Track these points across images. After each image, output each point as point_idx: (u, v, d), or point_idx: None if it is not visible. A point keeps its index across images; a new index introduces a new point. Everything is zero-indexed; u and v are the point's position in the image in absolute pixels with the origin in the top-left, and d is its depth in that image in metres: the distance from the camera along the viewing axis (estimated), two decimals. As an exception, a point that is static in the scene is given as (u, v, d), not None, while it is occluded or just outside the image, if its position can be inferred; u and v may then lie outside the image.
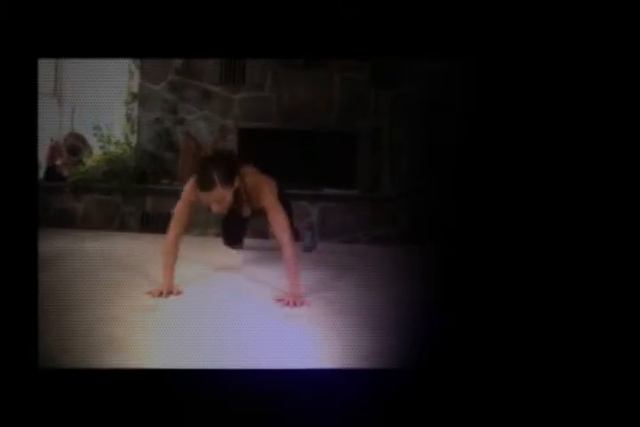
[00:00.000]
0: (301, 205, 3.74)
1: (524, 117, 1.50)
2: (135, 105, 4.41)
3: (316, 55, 3.57)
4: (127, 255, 3.00)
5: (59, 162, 4.22)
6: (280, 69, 4.23)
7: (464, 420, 1.20)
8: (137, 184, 3.98)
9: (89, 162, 4.19)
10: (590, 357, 1.28)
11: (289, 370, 1.38)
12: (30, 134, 1.33)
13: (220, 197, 2.01)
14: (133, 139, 4.41)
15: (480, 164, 2.75)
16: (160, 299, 2.06)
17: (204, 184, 2.00)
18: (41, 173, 4.20)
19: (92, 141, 4.34)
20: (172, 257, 2.19)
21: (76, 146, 4.36)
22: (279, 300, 2.05)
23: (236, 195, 2.11)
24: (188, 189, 2.16)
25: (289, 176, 2.79)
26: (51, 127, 4.39)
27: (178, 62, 4.29)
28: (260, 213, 2.27)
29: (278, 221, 2.13)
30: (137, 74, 4.41)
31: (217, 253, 3.21)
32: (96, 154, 4.32)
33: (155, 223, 3.91)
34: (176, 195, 3.59)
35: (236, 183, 2.06)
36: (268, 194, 2.16)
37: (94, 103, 4.43)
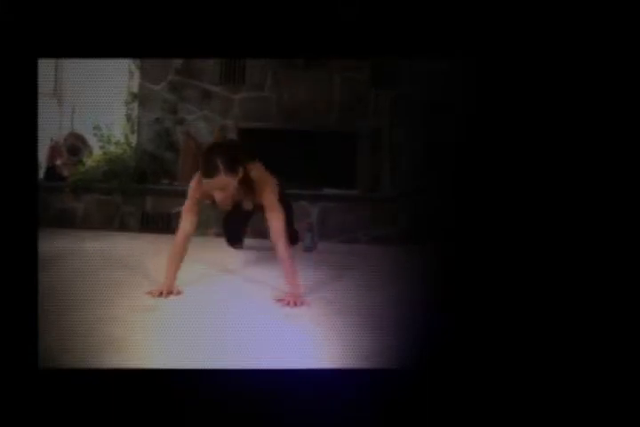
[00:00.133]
0: (301, 205, 3.74)
1: (524, 117, 1.50)
2: (135, 105, 4.42)
3: (316, 55, 3.57)
4: (127, 255, 3.00)
5: (59, 162, 4.22)
6: (280, 69, 4.23)
7: (464, 420, 1.20)
8: (137, 184, 3.98)
9: (89, 162, 4.19)
10: (590, 355, 1.28)
11: (289, 370, 1.38)
12: (30, 134, 1.33)
13: (223, 185, 1.99)
14: (133, 139, 4.41)
15: (480, 164, 2.75)
16: (160, 299, 2.05)
17: (208, 171, 1.98)
18: (41, 173, 4.19)
19: (92, 141, 4.34)
20: (179, 257, 2.18)
21: (75, 146, 4.36)
22: (279, 300, 2.05)
23: (240, 185, 2.09)
24: (194, 185, 2.15)
25: (289, 176, 2.79)
26: (51, 127, 4.39)
27: (178, 62, 4.29)
28: (261, 209, 2.25)
29: (275, 222, 2.13)
30: (137, 74, 4.41)
31: (217, 253, 3.21)
32: (96, 154, 4.32)
33: (155, 223, 3.91)
34: (176, 195, 3.60)
35: (240, 172, 2.04)
36: (269, 192, 2.15)
37: (94, 103, 4.43)
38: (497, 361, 1.43)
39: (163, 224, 3.89)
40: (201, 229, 3.76)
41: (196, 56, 3.81)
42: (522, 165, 1.51)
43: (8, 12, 1.32)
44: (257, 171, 2.18)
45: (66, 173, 4.15)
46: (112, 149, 4.22)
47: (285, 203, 2.32)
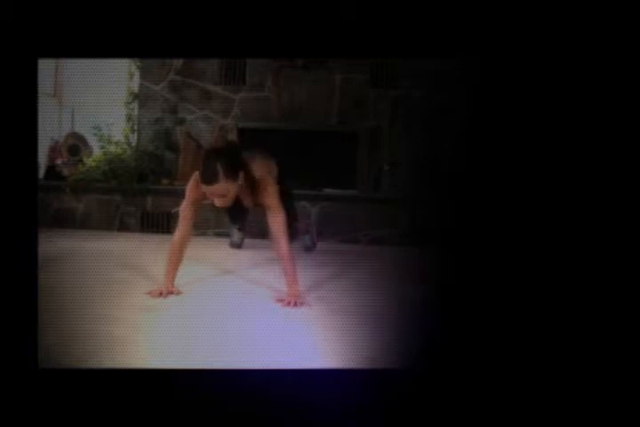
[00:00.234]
0: (301, 205, 3.74)
1: (525, 118, 1.50)
2: (135, 105, 4.42)
3: (315, 55, 3.57)
4: (127, 255, 3.00)
5: (59, 162, 4.22)
6: (280, 69, 4.23)
7: (464, 420, 1.20)
8: (137, 184, 3.98)
9: (89, 162, 4.19)
10: (588, 355, 1.28)
11: (289, 370, 1.38)
12: (30, 134, 1.33)
13: (223, 191, 1.98)
14: (133, 139, 4.41)
15: (480, 164, 2.74)
16: (160, 299, 2.05)
17: (208, 177, 1.95)
18: (41, 173, 4.20)
19: (92, 141, 4.34)
20: (178, 257, 2.18)
21: (75, 146, 4.36)
22: (279, 300, 2.05)
23: (240, 189, 2.08)
24: (191, 186, 2.14)
25: (289, 176, 2.79)
26: (51, 127, 4.39)
27: (178, 62, 4.29)
28: (261, 208, 2.24)
29: (276, 221, 2.13)
30: (137, 74, 4.41)
31: (217, 253, 3.21)
32: (96, 154, 4.31)
33: (155, 223, 3.92)
34: (176, 195, 3.60)
35: (241, 178, 2.02)
36: (270, 193, 2.13)
37: (94, 103, 4.43)
38: (497, 361, 1.43)
39: (163, 224, 3.90)
40: (201, 229, 3.77)
41: (196, 56, 3.81)
42: (523, 165, 1.51)
43: (8, 12, 1.32)
44: (257, 168, 2.18)
45: (66, 172, 4.15)
46: (112, 149, 4.22)
47: (289, 201, 2.33)
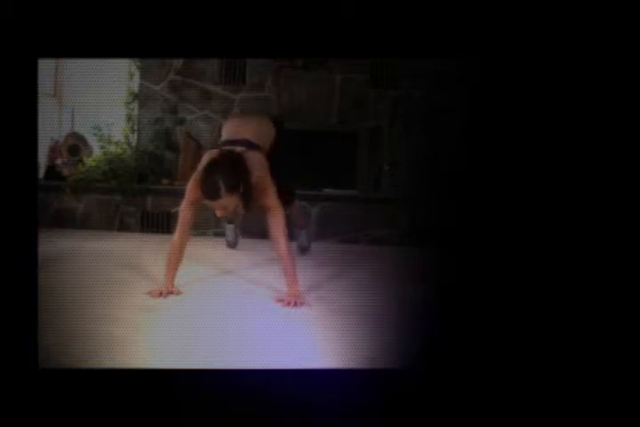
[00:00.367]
0: (301, 206, 3.74)
1: (524, 118, 1.50)
2: (135, 105, 4.42)
3: (315, 55, 3.57)
4: (127, 255, 3.00)
5: (59, 162, 4.22)
6: (280, 69, 4.23)
7: (464, 420, 1.20)
8: (137, 184, 3.98)
9: (89, 162, 4.19)
10: (588, 355, 1.28)
11: (289, 370, 1.38)
12: (30, 134, 1.33)
13: (225, 204, 1.96)
14: (133, 139, 4.41)
15: (480, 164, 2.74)
16: (160, 299, 2.05)
17: (210, 193, 1.93)
18: (41, 173, 4.20)
19: (92, 141, 4.34)
20: (178, 257, 2.17)
21: (75, 146, 4.36)
22: (279, 300, 2.05)
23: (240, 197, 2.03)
24: (191, 186, 2.12)
25: (289, 176, 2.78)
26: (51, 127, 4.39)
27: (178, 62, 4.29)
28: (261, 209, 2.20)
29: (276, 223, 2.12)
30: (137, 74, 4.41)
31: (217, 252, 3.21)
32: (96, 154, 4.31)
33: (155, 223, 3.91)
34: (176, 195, 3.60)
35: (242, 189, 1.97)
36: (269, 194, 2.12)
37: (94, 103, 4.43)
38: (497, 361, 1.43)
39: (163, 224, 3.89)
40: (200, 229, 3.77)
41: (196, 56, 3.81)
42: (523, 165, 1.51)
43: (8, 12, 1.32)
44: (257, 170, 2.09)
45: (66, 172, 4.15)
46: (112, 149, 4.22)
47: (289, 199, 2.32)
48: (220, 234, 3.77)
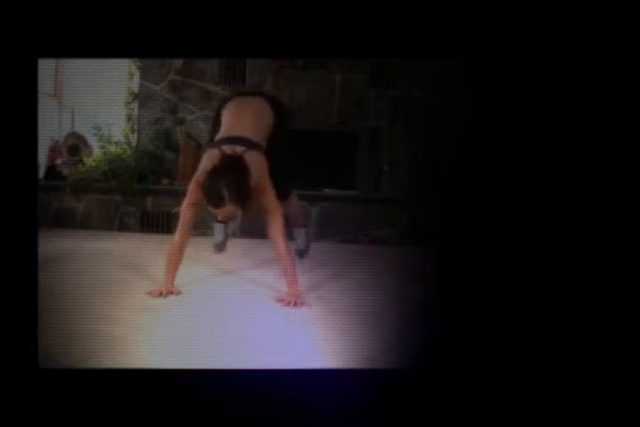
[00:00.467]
0: (301, 206, 3.73)
1: (524, 118, 1.50)
2: (135, 105, 4.41)
3: (315, 55, 3.57)
4: (127, 255, 3.00)
5: (59, 162, 4.22)
6: (280, 69, 4.23)
7: (464, 420, 1.20)
8: (137, 184, 3.98)
9: (89, 162, 4.19)
10: (588, 355, 1.28)
11: (289, 370, 1.38)
12: (30, 134, 1.33)
13: (229, 211, 1.95)
14: (133, 139, 4.41)
15: (480, 164, 2.74)
16: (160, 299, 2.05)
17: (214, 201, 1.92)
18: (41, 173, 4.19)
19: (92, 141, 4.34)
20: (178, 257, 2.17)
21: (76, 146, 4.36)
22: (279, 300, 2.05)
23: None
24: (192, 186, 2.11)
25: (288, 175, 2.78)
26: (51, 127, 4.39)
27: (178, 62, 4.29)
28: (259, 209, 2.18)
29: (275, 224, 2.12)
30: (137, 74, 4.41)
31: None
32: (96, 154, 4.31)
33: (155, 223, 3.91)
34: (176, 195, 3.60)
35: (244, 193, 1.95)
36: (268, 195, 2.12)
37: (94, 103, 4.43)
38: (497, 361, 1.43)
39: (163, 224, 3.89)
40: (201, 229, 3.77)
41: (196, 56, 3.81)
42: (523, 165, 1.51)
43: (8, 12, 1.32)
44: (256, 170, 2.06)
45: (66, 172, 4.15)
46: (112, 149, 4.22)
47: (285, 195, 2.30)
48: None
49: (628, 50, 1.34)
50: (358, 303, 2.10)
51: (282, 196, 2.29)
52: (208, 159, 2.09)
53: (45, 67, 4.33)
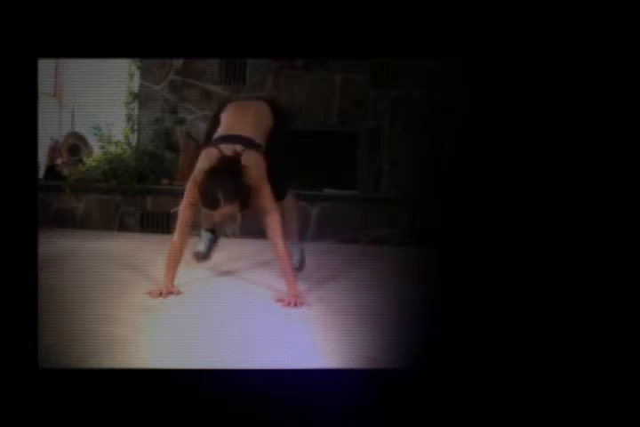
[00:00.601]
0: (301, 206, 3.73)
1: (524, 118, 1.50)
2: (135, 105, 4.42)
3: (316, 55, 3.57)
4: (127, 255, 3.00)
5: (59, 162, 4.22)
6: (280, 69, 4.23)
7: (464, 420, 1.20)
8: (137, 184, 3.98)
9: (89, 162, 4.19)
10: (588, 355, 1.28)
11: (289, 370, 1.38)
12: (30, 134, 1.33)
13: (225, 212, 1.97)
14: (133, 139, 4.41)
15: (480, 164, 2.74)
16: (160, 299, 2.05)
17: (209, 204, 1.94)
18: (41, 173, 4.20)
19: (92, 141, 4.34)
20: (178, 257, 2.17)
21: (75, 146, 4.36)
22: (279, 300, 2.05)
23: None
24: (189, 188, 2.11)
25: (288, 176, 2.78)
26: (51, 127, 4.39)
27: (178, 62, 4.29)
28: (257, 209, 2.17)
29: (273, 224, 2.12)
30: (137, 74, 4.41)
31: (217, 253, 3.20)
32: (96, 154, 4.31)
33: (155, 223, 3.91)
34: (176, 195, 3.59)
35: (240, 195, 1.97)
36: (265, 195, 2.11)
37: (94, 103, 4.43)
38: (496, 361, 1.43)
39: (162, 224, 3.89)
40: (200, 229, 3.76)
41: (196, 56, 3.81)
42: (523, 165, 1.51)
43: (8, 12, 1.32)
44: (253, 170, 2.06)
45: (66, 172, 4.15)
46: (112, 148, 4.22)
47: (280, 194, 2.30)
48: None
49: (628, 50, 1.34)
50: (358, 303, 2.10)
51: (278, 196, 2.28)
52: (206, 159, 2.08)
53: (45, 67, 4.33)
